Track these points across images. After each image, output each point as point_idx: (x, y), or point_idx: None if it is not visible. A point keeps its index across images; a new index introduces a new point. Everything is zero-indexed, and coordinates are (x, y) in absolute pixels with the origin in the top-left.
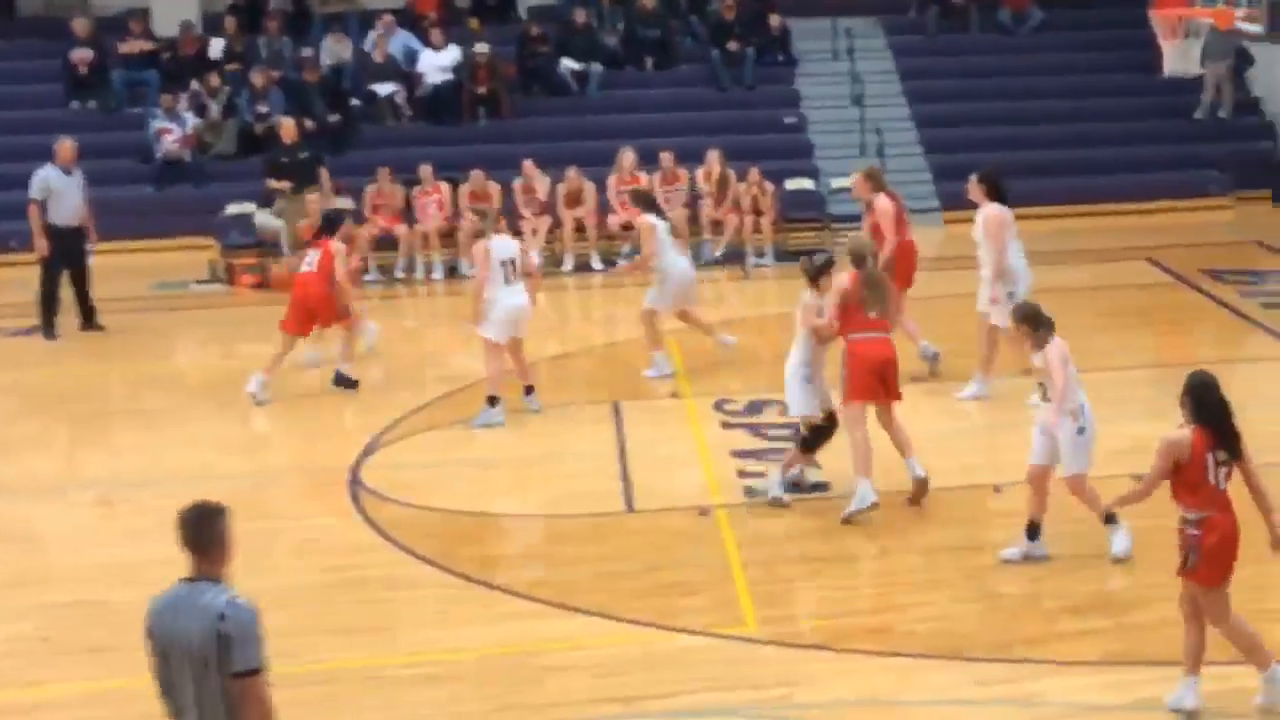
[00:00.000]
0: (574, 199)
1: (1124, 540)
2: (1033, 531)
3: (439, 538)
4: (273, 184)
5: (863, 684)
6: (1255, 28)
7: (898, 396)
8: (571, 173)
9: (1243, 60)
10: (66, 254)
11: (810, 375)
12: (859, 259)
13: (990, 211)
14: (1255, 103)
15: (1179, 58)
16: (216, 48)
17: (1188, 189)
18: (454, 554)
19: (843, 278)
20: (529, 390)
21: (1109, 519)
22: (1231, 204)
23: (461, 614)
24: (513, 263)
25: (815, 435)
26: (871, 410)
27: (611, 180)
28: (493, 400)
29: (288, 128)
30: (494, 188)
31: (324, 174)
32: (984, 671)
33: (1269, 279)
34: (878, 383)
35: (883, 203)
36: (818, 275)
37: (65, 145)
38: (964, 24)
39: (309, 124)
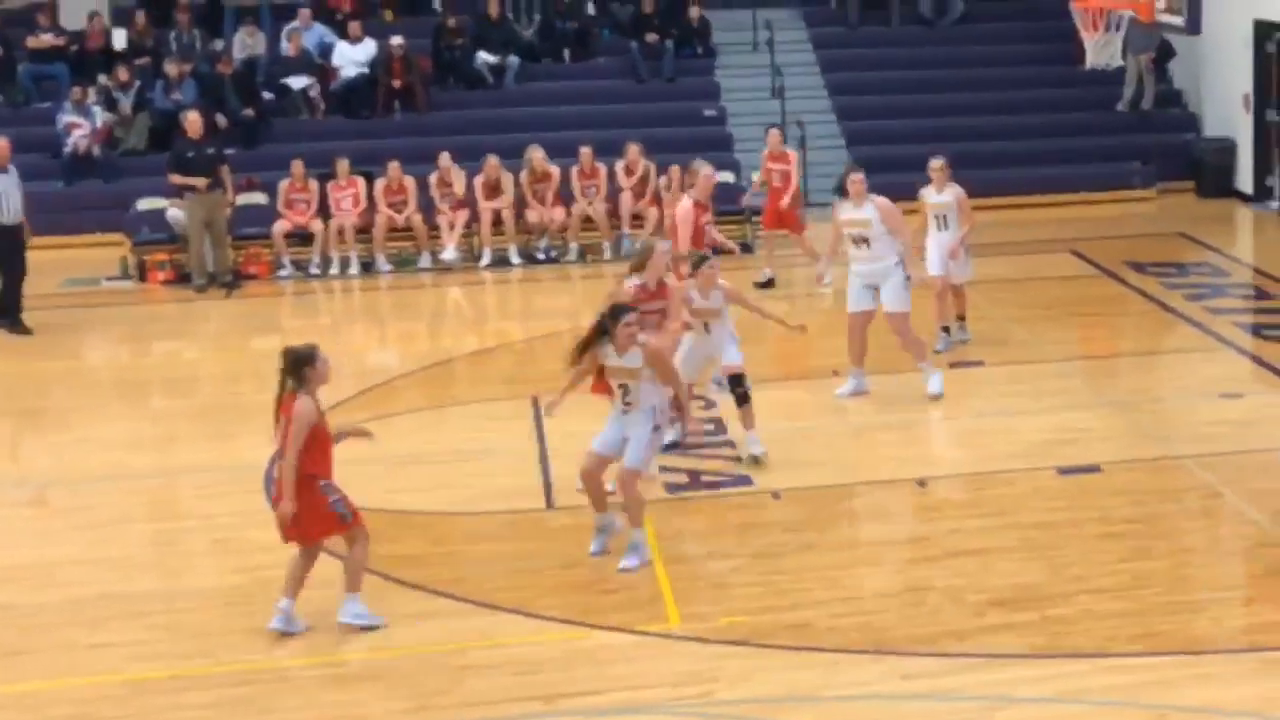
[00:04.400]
0: (492, 188)
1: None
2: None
3: None
4: (178, 180)
5: (785, 680)
6: (1177, 20)
7: None
8: (491, 160)
9: (1164, 52)
10: (9, 252)
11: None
12: None
13: (960, 190)
14: (1177, 95)
15: (1100, 50)
16: (120, 39)
17: (1110, 181)
18: (370, 551)
19: None
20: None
21: None
22: (1154, 196)
23: (379, 612)
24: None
25: None
26: None
27: (523, 177)
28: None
29: (193, 122)
30: (410, 182)
31: (225, 171)
32: (907, 666)
33: (1192, 271)
34: None
35: None
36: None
37: (1, 143)
38: (885, 16)
39: (220, 119)
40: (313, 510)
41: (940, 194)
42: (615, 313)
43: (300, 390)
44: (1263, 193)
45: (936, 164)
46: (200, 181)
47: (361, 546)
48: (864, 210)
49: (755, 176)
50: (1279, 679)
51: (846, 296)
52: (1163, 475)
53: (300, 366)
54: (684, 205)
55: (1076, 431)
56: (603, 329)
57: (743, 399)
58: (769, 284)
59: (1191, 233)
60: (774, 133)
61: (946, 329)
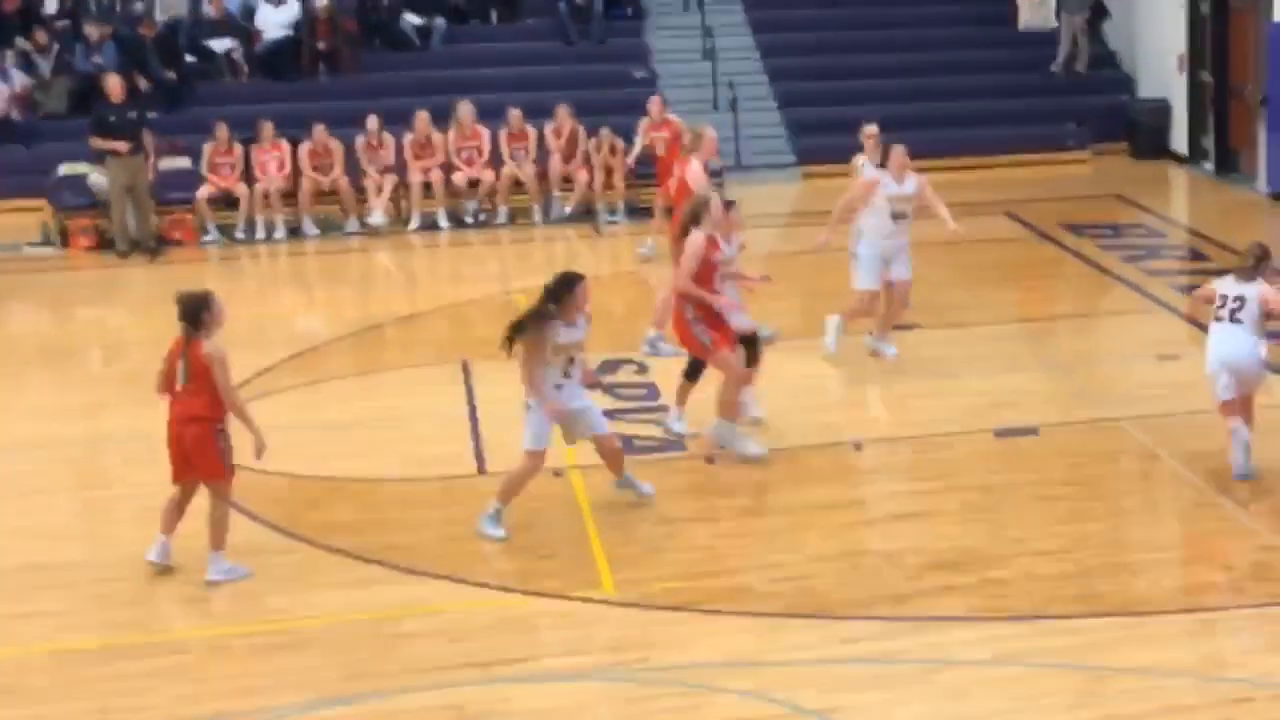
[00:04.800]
0: (422, 146)
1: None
2: None
3: (286, 503)
4: (100, 144)
5: (723, 645)
6: None
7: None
8: (422, 115)
9: (1099, 13)
10: None
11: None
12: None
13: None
14: (1111, 56)
15: (1034, 10)
16: (50, 3)
17: (1046, 143)
18: (301, 519)
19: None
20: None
21: None
22: (1089, 158)
23: (311, 580)
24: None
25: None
26: None
27: (451, 135)
28: None
29: (114, 85)
30: (336, 145)
31: (148, 136)
32: (847, 629)
33: (1127, 232)
34: None
35: None
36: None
37: None
38: None
39: (142, 81)
40: (205, 452)
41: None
42: (568, 282)
43: (200, 335)
44: (1198, 153)
45: (870, 130)
46: (122, 145)
47: (225, 504)
48: (906, 185)
49: (636, 143)
50: (1217, 639)
51: (863, 269)
52: (1100, 437)
53: (198, 312)
54: (694, 168)
55: (1014, 394)
56: (553, 304)
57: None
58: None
59: (1127, 194)
60: (655, 100)
61: None
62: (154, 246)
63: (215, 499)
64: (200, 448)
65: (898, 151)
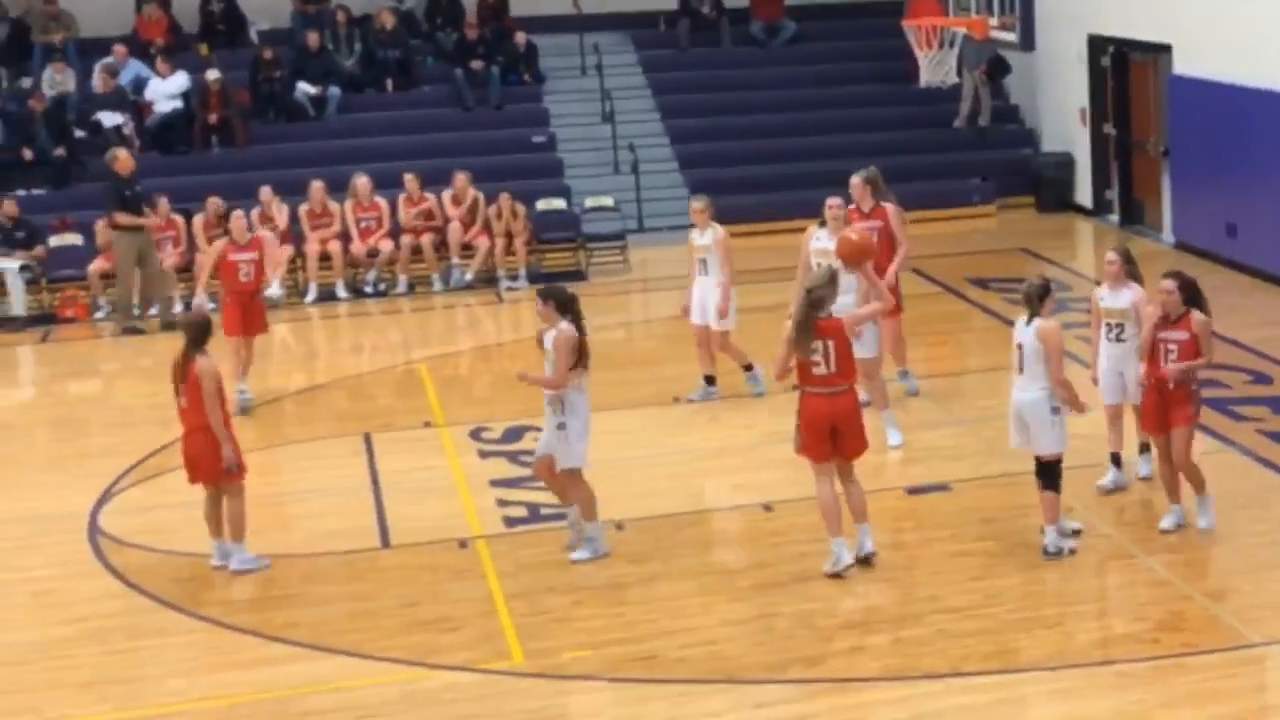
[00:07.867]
0: (319, 217)
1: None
2: None
3: (185, 582)
4: (125, 220)
5: (634, 713)
6: (1010, 36)
7: (846, 456)
8: (317, 185)
9: (1000, 67)
10: None
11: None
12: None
13: (721, 231)
14: (1014, 110)
15: (935, 67)
16: None
17: (950, 198)
18: (201, 598)
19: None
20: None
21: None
22: (994, 212)
23: (211, 661)
24: None
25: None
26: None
27: (348, 206)
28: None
29: (124, 160)
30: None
31: (163, 203)
32: (759, 694)
33: None
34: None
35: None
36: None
37: None
38: (715, 37)
39: (28, 155)
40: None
41: (703, 236)
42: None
43: (198, 354)
44: (1102, 206)
45: (698, 205)
46: (149, 220)
47: (239, 501)
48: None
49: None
50: (1134, 690)
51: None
52: (1012, 491)
53: (204, 333)
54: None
55: (924, 451)
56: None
57: None
58: None
59: (1032, 247)
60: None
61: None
62: (172, 318)
63: (229, 499)
64: (210, 450)
65: (831, 204)
